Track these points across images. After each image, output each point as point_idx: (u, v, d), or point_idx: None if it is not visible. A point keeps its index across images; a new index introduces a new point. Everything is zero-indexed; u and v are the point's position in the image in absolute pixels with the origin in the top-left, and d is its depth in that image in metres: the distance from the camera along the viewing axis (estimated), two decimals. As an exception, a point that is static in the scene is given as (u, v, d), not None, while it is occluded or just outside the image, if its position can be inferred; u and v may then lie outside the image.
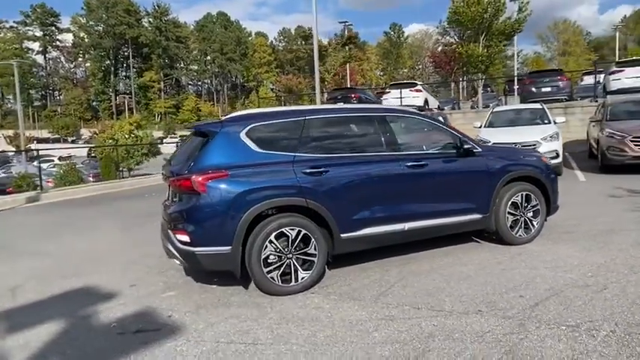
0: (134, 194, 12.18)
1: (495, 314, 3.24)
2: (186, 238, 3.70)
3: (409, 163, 4.31)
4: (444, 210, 4.48)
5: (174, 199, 4.01)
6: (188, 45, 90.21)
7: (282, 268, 3.80)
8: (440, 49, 74.62)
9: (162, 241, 4.24)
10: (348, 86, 29.88)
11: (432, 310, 3.39)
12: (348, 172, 4.07)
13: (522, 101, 16.12)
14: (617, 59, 52.51)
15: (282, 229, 3.78)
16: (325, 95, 23.09)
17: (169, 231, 3.88)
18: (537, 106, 11.15)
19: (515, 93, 22.25)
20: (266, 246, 3.74)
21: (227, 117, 4.16)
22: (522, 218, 4.84)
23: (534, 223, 4.91)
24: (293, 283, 3.84)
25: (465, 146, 4.58)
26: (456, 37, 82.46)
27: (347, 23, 36.39)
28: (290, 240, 3.81)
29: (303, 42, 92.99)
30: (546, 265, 4.20)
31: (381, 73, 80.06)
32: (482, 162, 4.67)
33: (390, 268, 4.40)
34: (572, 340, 2.79)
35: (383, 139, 4.37)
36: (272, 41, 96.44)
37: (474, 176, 4.63)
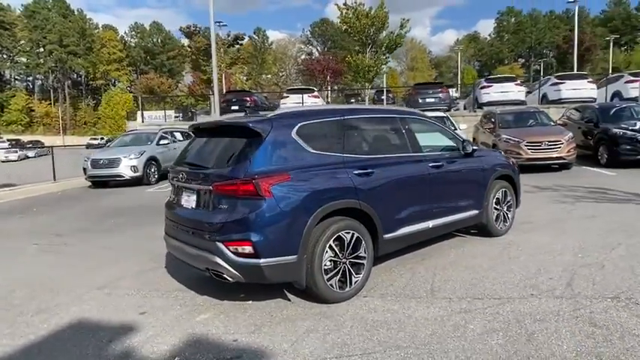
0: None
1: (547, 295, 3.68)
2: (249, 249, 3.30)
3: (431, 164, 4.58)
4: (456, 207, 4.87)
5: (212, 206, 3.53)
6: (15, 33, 76.68)
7: (339, 274, 3.67)
8: (303, 57, 78.50)
9: (186, 256, 3.72)
10: (242, 89, 29.28)
11: (493, 298, 3.68)
12: (388, 172, 4.14)
13: (410, 110, 18.11)
14: (459, 77, 62.23)
15: (340, 233, 3.66)
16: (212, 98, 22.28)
17: (218, 243, 3.39)
18: (441, 114, 12.69)
19: (385, 102, 24.82)
20: (326, 251, 3.58)
21: (273, 114, 3.84)
22: (502, 212, 5.54)
23: (509, 216, 5.67)
24: (347, 288, 3.74)
25: (467, 147, 5.06)
26: (319, 47, 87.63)
27: (221, 23, 35.52)
28: (345, 244, 3.71)
29: (159, 39, 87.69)
30: (539, 251, 4.88)
31: (245, 78, 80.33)
32: (479, 162, 5.22)
33: (411, 265, 4.58)
34: (627, 308, 3.37)
35: (408, 140, 4.55)
36: (122, 36, 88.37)
37: (474, 175, 5.15)
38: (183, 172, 3.84)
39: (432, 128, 5.15)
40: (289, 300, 3.84)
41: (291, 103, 18.62)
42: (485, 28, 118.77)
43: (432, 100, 17.67)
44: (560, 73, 22.67)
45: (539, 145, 10.58)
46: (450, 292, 3.85)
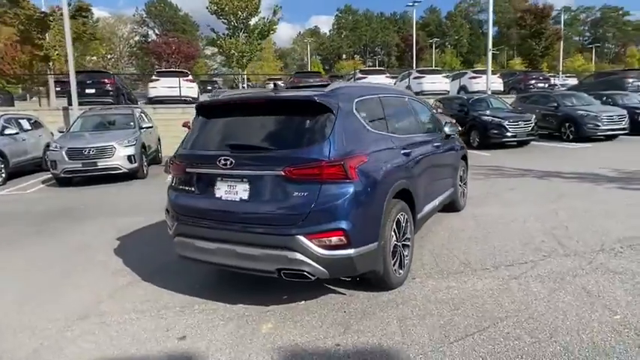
0: None
1: (556, 255, 4.22)
2: (339, 239, 2.94)
3: (434, 144, 4.76)
4: (444, 185, 5.18)
5: (283, 195, 3.02)
6: None
7: (396, 257, 3.57)
8: (137, 38, 71.04)
9: (236, 259, 3.13)
10: (99, 69, 24.89)
11: (520, 263, 4.05)
12: (417, 152, 4.14)
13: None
14: (308, 67, 64.67)
15: (398, 216, 3.55)
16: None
17: (300, 237, 2.92)
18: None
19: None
20: (392, 235, 3.44)
21: (329, 88, 3.42)
22: (463, 189, 6.11)
23: (466, 192, 6.28)
24: (402, 271, 3.67)
25: (446, 129, 5.39)
26: (156, 30, 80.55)
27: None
28: (401, 226, 3.63)
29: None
30: (504, 220, 5.52)
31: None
32: (453, 143, 5.62)
33: (416, 247, 4.68)
34: (621, 256, 4.11)
35: (416, 121, 4.63)
36: None
37: (453, 155, 5.53)
38: (225, 156, 3.18)
39: (427, 112, 5.33)
40: (343, 293, 3.57)
41: (162, 86, 16.80)
42: (320, 23, 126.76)
43: (313, 88, 18.16)
44: (421, 68, 25.72)
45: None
46: (481, 264, 4.11)
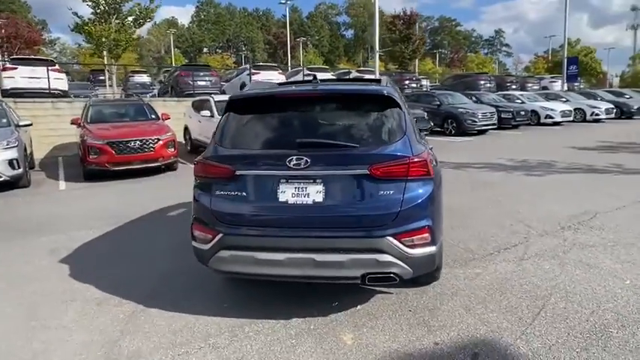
0: None
1: (543, 234, 4.81)
2: (425, 237, 2.88)
3: None
4: None
5: (367, 195, 2.83)
6: None
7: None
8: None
9: (315, 269, 2.84)
10: None
11: (518, 245, 4.53)
12: None
13: (178, 95, 16.87)
14: (172, 60, 60.43)
15: None
16: None
17: (389, 238, 2.77)
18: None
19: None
20: (439, 229, 3.52)
21: (384, 82, 3.26)
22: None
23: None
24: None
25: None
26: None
27: None
28: None
29: None
30: (477, 207, 6.08)
31: None
32: None
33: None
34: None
35: None
36: None
37: None
38: (298, 155, 2.83)
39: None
40: (389, 292, 3.52)
41: (20, 77, 13.92)
42: (174, 14, 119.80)
43: (204, 83, 17.07)
44: (258, 64, 25.81)
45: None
46: (482, 250, 4.45)
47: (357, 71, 22.26)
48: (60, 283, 3.95)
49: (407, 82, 22.86)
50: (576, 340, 2.79)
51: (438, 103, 16.00)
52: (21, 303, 3.58)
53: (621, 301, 3.28)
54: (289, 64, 35.03)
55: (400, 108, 3.06)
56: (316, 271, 2.87)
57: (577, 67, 27.00)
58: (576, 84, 28.82)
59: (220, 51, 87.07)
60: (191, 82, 16.89)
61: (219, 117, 10.48)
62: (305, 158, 2.82)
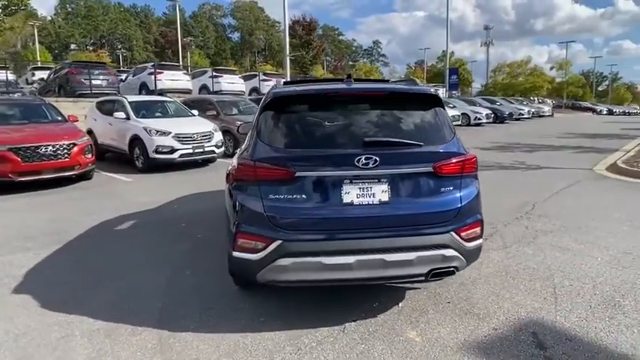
0: None
1: (513, 222, 5.37)
2: (478, 230, 3.03)
3: None
4: None
5: (430, 192, 2.90)
6: None
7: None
8: None
9: (383, 269, 2.82)
10: None
11: (499, 230, 4.99)
12: None
13: (69, 95, 14.90)
14: (38, 55, 52.70)
15: None
16: None
17: (452, 233, 2.85)
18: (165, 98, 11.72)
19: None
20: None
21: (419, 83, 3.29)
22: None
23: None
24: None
25: None
26: None
27: None
28: None
29: None
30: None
31: None
32: None
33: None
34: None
35: None
36: None
37: None
38: (367, 155, 2.75)
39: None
40: (417, 288, 3.63)
41: None
42: (35, 4, 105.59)
43: (100, 82, 15.29)
44: (162, 63, 24.23)
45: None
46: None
47: (264, 74, 22.08)
48: (40, 318, 3.25)
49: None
50: (599, 310, 3.21)
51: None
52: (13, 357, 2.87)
53: (607, 274, 3.84)
54: (181, 65, 33.19)
55: (444, 108, 3.19)
56: (385, 272, 2.84)
57: (457, 76, 30.65)
58: (454, 92, 32.60)
59: (92, 48, 79.02)
60: (85, 81, 15.06)
61: (138, 119, 9.71)
62: (374, 157, 2.77)
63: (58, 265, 4.32)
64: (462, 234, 2.93)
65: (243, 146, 3.37)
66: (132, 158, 10.02)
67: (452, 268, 2.95)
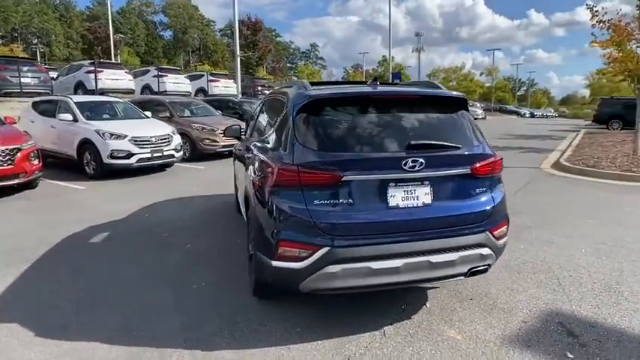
0: None
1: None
2: (506, 228, 3.17)
3: None
4: None
5: (467, 193, 3.00)
6: None
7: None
8: None
9: (428, 271, 2.88)
10: None
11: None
12: None
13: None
14: None
15: None
16: None
17: (487, 232, 2.97)
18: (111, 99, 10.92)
19: None
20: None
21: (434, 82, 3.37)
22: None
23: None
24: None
25: None
26: None
27: None
28: None
29: None
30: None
31: None
32: None
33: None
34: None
35: None
36: None
37: None
38: (413, 158, 2.78)
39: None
40: (436, 287, 3.73)
41: None
42: None
43: (30, 80, 13.91)
44: (102, 61, 22.83)
45: (229, 133, 11.85)
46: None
47: (212, 74, 21.35)
48: (40, 349, 2.90)
49: (260, 87, 23.05)
50: (604, 297, 3.50)
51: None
52: None
53: (596, 264, 4.20)
54: (112, 59, 31.28)
55: (469, 111, 3.30)
56: (431, 274, 2.89)
57: (400, 80, 31.73)
58: None
59: (1, 42, 71.97)
60: (12, 79, 13.69)
61: (88, 122, 9.02)
62: (420, 160, 2.81)
63: (35, 287, 3.88)
64: (494, 232, 3.06)
65: (269, 149, 3.26)
66: (80, 164, 9.27)
67: (486, 266, 3.07)
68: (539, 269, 4.09)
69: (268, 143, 3.38)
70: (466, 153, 3.02)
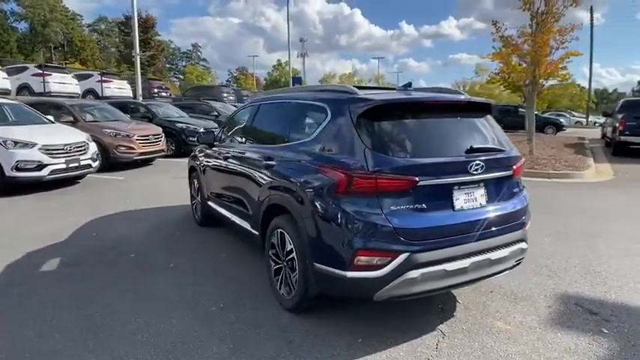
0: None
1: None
2: (529, 224, 3.51)
3: None
4: None
5: (508, 193, 3.29)
6: None
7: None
8: None
9: (484, 269, 3.07)
10: None
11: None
12: None
13: None
14: None
15: None
16: None
17: (523, 229, 3.27)
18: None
19: None
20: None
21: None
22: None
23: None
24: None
25: None
26: None
27: None
28: None
29: None
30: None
31: None
32: None
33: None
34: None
35: None
36: None
37: None
38: (477, 161, 2.96)
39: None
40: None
41: None
42: None
43: None
44: (48, 64, 20.21)
45: (148, 139, 10.82)
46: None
47: (104, 74, 19.05)
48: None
49: (156, 89, 21.47)
50: (593, 277, 4.09)
51: (216, 114, 16.03)
52: None
53: (563, 251, 4.85)
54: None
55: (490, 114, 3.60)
56: (490, 270, 3.09)
57: (300, 84, 32.28)
58: None
59: None
60: None
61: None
62: (482, 164, 2.99)
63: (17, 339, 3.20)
64: (526, 227, 3.39)
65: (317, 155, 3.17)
66: (-30, 178, 7.71)
67: (522, 259, 3.38)
68: (540, 264, 4.37)
69: (308, 149, 3.25)
70: (508, 156, 3.30)
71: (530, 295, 3.73)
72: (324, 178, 3.00)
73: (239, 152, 4.44)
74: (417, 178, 2.79)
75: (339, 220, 2.81)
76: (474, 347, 2.95)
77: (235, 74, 77.98)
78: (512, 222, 3.23)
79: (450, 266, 2.86)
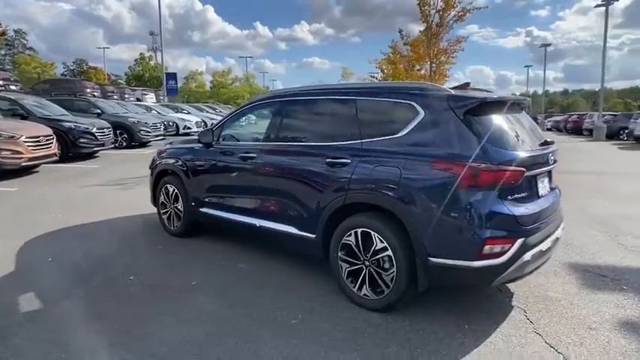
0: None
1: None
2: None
3: None
4: None
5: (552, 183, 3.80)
6: None
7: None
8: None
9: (549, 253, 3.50)
10: None
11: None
12: None
13: None
14: None
15: None
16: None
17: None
18: None
19: None
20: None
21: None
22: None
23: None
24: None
25: None
26: None
27: None
28: None
29: None
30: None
31: None
32: None
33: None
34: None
35: None
36: None
37: None
38: (551, 153, 3.44)
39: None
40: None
41: None
42: None
43: None
44: None
45: (38, 142, 9.00)
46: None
47: None
48: None
49: (2, 81, 17.93)
50: (579, 250, 4.90)
51: (99, 112, 14.20)
52: None
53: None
54: None
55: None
56: (556, 247, 3.55)
57: (176, 82, 29.95)
58: (173, 97, 31.54)
59: None
60: None
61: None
62: (553, 155, 3.48)
63: None
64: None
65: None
66: None
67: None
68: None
69: (401, 146, 3.28)
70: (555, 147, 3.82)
71: (554, 270, 4.30)
72: (441, 173, 3.06)
73: (269, 151, 4.15)
74: (524, 169, 3.10)
75: (465, 213, 2.95)
76: (553, 314, 3.40)
77: (72, 67, 69.03)
78: (559, 204, 3.76)
79: (543, 246, 3.25)
